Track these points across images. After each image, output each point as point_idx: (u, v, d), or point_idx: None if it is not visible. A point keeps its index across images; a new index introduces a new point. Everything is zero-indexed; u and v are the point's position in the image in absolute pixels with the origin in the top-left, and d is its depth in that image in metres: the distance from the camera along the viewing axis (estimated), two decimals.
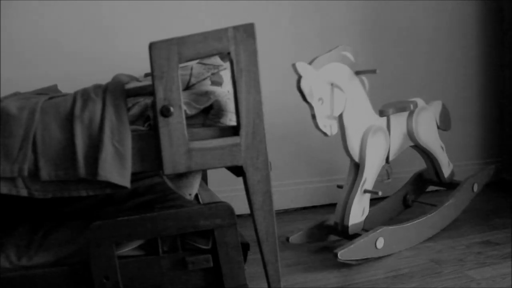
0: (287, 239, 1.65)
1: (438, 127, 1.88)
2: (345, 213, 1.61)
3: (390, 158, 1.72)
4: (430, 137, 1.82)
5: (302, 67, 1.41)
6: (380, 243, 1.54)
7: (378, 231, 1.54)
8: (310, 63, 1.45)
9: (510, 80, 2.49)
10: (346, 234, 1.61)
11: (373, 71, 1.56)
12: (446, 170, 1.92)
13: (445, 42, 2.47)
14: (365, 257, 1.53)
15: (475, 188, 1.92)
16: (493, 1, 2.53)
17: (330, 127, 1.47)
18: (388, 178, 1.74)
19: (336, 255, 1.44)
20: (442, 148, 1.89)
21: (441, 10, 2.44)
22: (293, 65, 1.41)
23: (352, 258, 1.49)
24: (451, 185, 1.91)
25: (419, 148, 1.84)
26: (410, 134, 1.76)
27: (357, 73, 1.59)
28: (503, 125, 2.56)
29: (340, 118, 1.55)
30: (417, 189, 2.03)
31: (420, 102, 1.81)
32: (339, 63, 1.53)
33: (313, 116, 1.45)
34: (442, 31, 2.46)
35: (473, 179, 1.92)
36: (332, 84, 1.48)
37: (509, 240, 1.67)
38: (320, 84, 1.45)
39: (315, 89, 1.43)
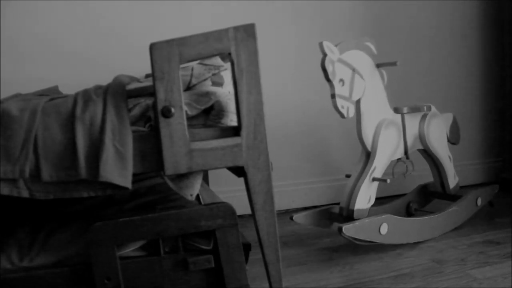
0: (291, 218, 1.68)
1: (447, 139, 1.90)
2: (351, 198, 1.62)
3: (402, 155, 1.74)
4: (440, 144, 1.84)
5: (328, 46, 1.48)
6: (384, 228, 1.56)
7: (383, 216, 1.57)
8: (336, 45, 1.51)
9: (510, 80, 2.49)
10: (350, 220, 1.61)
11: (394, 64, 1.62)
12: (452, 182, 1.92)
13: (446, 43, 2.47)
14: (368, 240, 1.54)
15: (479, 202, 1.93)
16: (493, 1, 2.53)
17: (347, 109, 1.52)
18: (408, 172, 1.78)
19: (340, 229, 1.47)
20: (450, 158, 1.91)
21: (441, 11, 2.44)
22: (320, 44, 1.47)
23: (355, 237, 1.51)
24: (455, 198, 1.92)
25: (427, 153, 1.85)
26: (421, 137, 1.78)
27: (378, 66, 1.65)
28: (503, 125, 2.56)
29: (358, 104, 1.60)
30: (421, 200, 2.04)
31: (433, 108, 1.84)
32: (362, 52, 1.60)
33: (333, 96, 1.50)
34: (443, 32, 2.46)
35: (478, 193, 1.93)
36: (353, 70, 1.54)
37: (511, 240, 1.67)
38: (343, 67, 1.52)
39: (337, 70, 1.49)
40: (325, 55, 1.47)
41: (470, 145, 2.55)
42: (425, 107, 1.78)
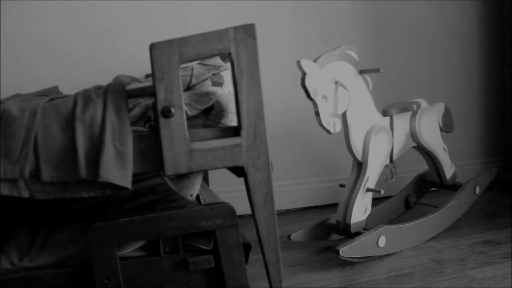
0: (289, 237, 1.66)
1: (441, 129, 1.89)
2: (347, 211, 1.61)
3: (393, 158, 1.72)
4: (433, 138, 1.82)
5: (306, 64, 1.42)
6: (382, 241, 1.54)
7: (380, 229, 1.54)
8: (314, 61, 1.46)
9: (510, 79, 2.49)
10: (348, 233, 1.61)
11: (377, 70, 1.57)
12: (448, 172, 1.92)
13: (446, 42, 2.47)
14: (367, 255, 1.53)
15: (477, 190, 1.92)
16: (493, 1, 2.53)
17: (333, 124, 1.48)
18: (392, 178, 1.74)
19: (337, 252, 1.44)
20: (445, 149, 1.90)
21: (442, 11, 2.44)
22: (298, 62, 1.42)
23: (354, 256, 1.49)
24: (453, 187, 1.91)
25: (421, 149, 1.84)
26: (413, 135, 1.77)
27: (361, 72, 1.60)
28: (504, 125, 2.57)
29: (344, 116, 1.56)
30: (419, 191, 2.03)
31: (423, 103, 1.81)
32: (344, 61, 1.54)
33: (317, 114, 1.46)
34: (443, 31, 2.46)
35: (475, 181, 1.92)
36: (336, 82, 1.49)
37: (511, 240, 1.67)
38: (324, 82, 1.47)
39: (319, 87, 1.44)
40: (304, 73, 1.41)
41: (470, 144, 2.55)
42: (414, 106, 1.74)
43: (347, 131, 1.58)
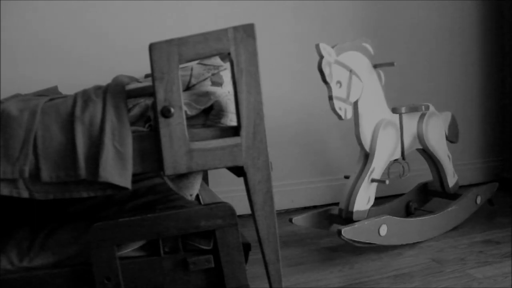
0: (290, 220, 1.68)
1: (446, 138, 1.89)
2: (350, 199, 1.62)
3: (400, 156, 1.74)
4: (438, 143, 1.84)
5: (325, 48, 1.46)
6: (383, 230, 1.55)
7: (382, 218, 1.56)
8: (332, 47, 1.50)
9: (510, 79, 2.49)
10: (350, 221, 1.62)
11: (391, 64, 1.61)
12: (451, 180, 1.92)
13: (446, 42, 2.47)
14: (367, 241, 1.54)
15: (478, 200, 1.93)
16: (493, 1, 2.53)
17: (345, 110, 1.52)
18: (404, 174, 1.76)
19: (339, 232, 1.46)
20: (449, 157, 1.91)
21: (442, 11, 2.44)
22: (317, 46, 1.46)
23: (355, 239, 1.50)
24: (455, 196, 1.91)
25: (426, 152, 1.85)
26: (420, 136, 1.78)
27: (375, 66, 1.64)
28: (504, 124, 2.56)
29: (355, 105, 1.60)
30: (420, 199, 2.03)
31: (431, 107, 1.83)
32: (359, 53, 1.59)
33: (330, 98, 1.49)
34: (443, 32, 2.46)
35: (477, 191, 1.93)
36: (351, 71, 1.53)
37: (510, 239, 1.67)
38: (340, 69, 1.51)
39: (334, 72, 1.49)
40: (321, 57, 1.46)
41: (470, 144, 2.55)
42: (423, 107, 1.77)
43: (357, 120, 1.61)
